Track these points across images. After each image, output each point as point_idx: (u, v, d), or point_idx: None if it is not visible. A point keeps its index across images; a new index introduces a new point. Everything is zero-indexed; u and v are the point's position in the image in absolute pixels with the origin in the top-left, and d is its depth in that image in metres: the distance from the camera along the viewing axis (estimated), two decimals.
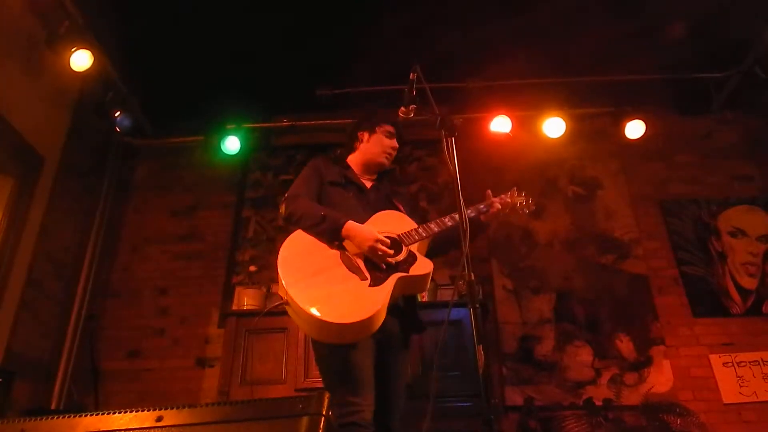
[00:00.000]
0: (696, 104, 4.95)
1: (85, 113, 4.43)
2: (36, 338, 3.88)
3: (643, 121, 4.55)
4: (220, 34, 4.13)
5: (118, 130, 4.69)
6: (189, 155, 5.00)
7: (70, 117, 4.32)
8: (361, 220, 2.28)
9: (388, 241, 2.20)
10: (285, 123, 4.96)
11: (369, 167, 2.62)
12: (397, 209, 2.51)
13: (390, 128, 2.61)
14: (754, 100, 4.76)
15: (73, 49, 3.84)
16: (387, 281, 2.12)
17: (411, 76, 2.22)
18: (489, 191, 2.58)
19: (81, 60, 3.88)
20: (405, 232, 2.31)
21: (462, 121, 2.18)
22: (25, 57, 3.81)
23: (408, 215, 2.48)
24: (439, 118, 2.08)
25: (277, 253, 2.22)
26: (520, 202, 2.70)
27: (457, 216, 2.39)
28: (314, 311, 1.96)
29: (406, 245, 2.27)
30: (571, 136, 4.72)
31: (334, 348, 2.10)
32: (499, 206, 2.50)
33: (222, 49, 4.25)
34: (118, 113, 4.55)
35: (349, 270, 2.14)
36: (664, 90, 4.82)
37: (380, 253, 2.15)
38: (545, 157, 4.84)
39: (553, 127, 4.63)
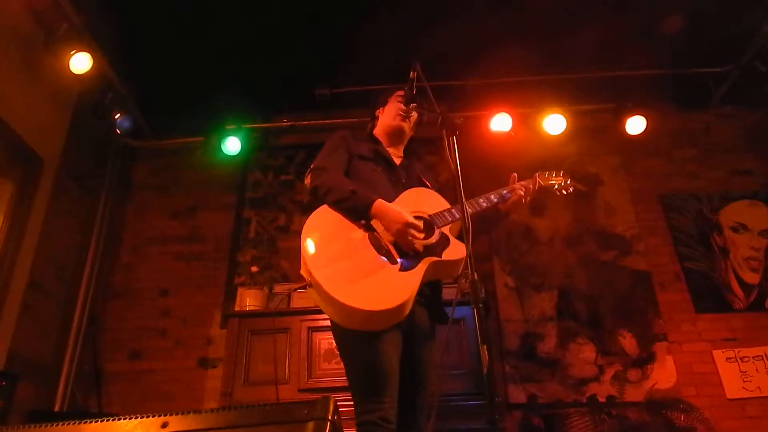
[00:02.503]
0: (696, 99, 4.94)
1: (84, 115, 4.42)
2: (39, 341, 3.88)
3: (644, 116, 4.55)
4: (219, 34, 4.13)
5: (117, 131, 4.70)
6: (189, 156, 5.00)
7: (70, 119, 4.31)
8: (391, 197, 2.17)
9: (420, 224, 2.07)
10: (285, 123, 4.96)
11: (390, 136, 2.55)
12: (427, 187, 2.40)
13: (401, 93, 2.50)
14: (754, 94, 4.75)
15: (72, 52, 3.84)
16: (419, 266, 2.00)
17: (411, 75, 2.20)
18: (515, 174, 2.44)
19: (80, 62, 3.88)
20: (437, 213, 2.19)
21: (463, 120, 2.16)
22: (24, 60, 3.81)
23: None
24: (440, 117, 2.06)
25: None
26: (558, 184, 2.59)
27: (492, 197, 2.32)
28: (344, 298, 1.87)
29: (438, 227, 2.14)
30: (572, 132, 4.71)
31: (359, 344, 2.00)
32: (521, 193, 2.37)
33: (221, 50, 4.24)
34: (117, 115, 4.56)
35: (379, 253, 2.02)
36: (664, 85, 4.82)
37: (410, 238, 2.02)
38: (546, 154, 4.82)
39: (554, 124, 4.62)
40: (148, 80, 4.51)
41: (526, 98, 4.65)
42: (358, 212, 2.09)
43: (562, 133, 4.66)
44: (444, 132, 2.02)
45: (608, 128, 4.78)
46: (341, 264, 1.96)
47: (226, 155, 4.67)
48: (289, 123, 4.95)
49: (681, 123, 4.99)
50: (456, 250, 2.11)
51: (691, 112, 5.02)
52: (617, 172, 4.81)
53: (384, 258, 2.01)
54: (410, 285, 1.95)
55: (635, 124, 4.57)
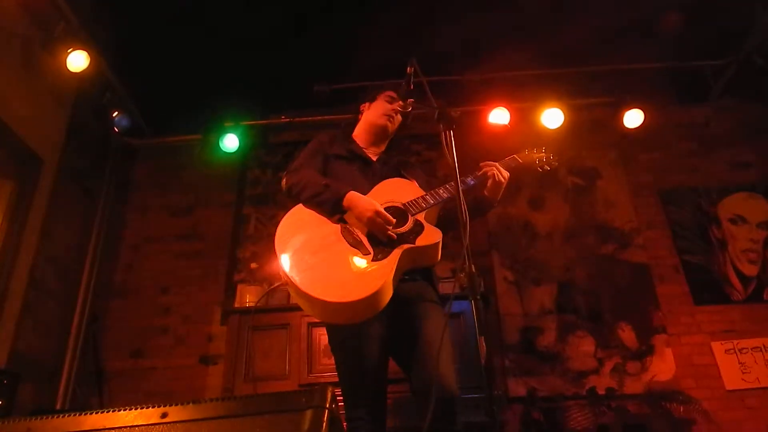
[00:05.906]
0: (694, 93, 4.94)
1: (82, 114, 4.42)
2: (40, 340, 3.88)
3: (642, 110, 4.55)
4: (217, 32, 4.13)
5: (116, 130, 4.71)
6: (188, 154, 5.00)
7: (68, 118, 4.31)
8: (365, 191, 2.19)
9: (387, 214, 2.08)
10: (283, 120, 4.96)
11: (373, 134, 2.54)
12: (405, 179, 2.39)
13: (391, 93, 2.50)
14: (753, 87, 4.75)
15: (69, 50, 3.85)
16: (391, 254, 2.00)
17: (408, 70, 2.20)
18: (488, 161, 2.40)
19: (77, 61, 3.88)
20: (410, 201, 2.21)
21: (460, 114, 2.15)
22: (22, 59, 3.81)
23: (422, 185, 2.36)
24: (437, 112, 2.05)
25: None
26: (539, 159, 2.58)
27: (469, 179, 2.32)
28: (316, 293, 1.87)
29: (412, 214, 2.16)
30: (570, 126, 4.71)
31: (343, 341, 2.08)
32: (494, 172, 2.32)
33: (219, 47, 4.24)
34: (115, 113, 4.57)
35: (351, 245, 2.03)
36: (662, 79, 4.82)
37: (380, 223, 2.03)
38: None
39: (552, 118, 4.62)
40: (146, 78, 4.51)
41: (524, 93, 4.65)
42: (332, 205, 2.11)
43: (561, 127, 4.66)
44: (441, 126, 2.02)
45: (606, 122, 4.78)
46: (313, 259, 1.98)
47: (225, 152, 4.67)
48: (287, 120, 4.95)
49: (679, 116, 5.00)
50: (430, 236, 2.11)
51: (689, 105, 5.02)
52: (616, 165, 4.82)
53: (357, 249, 2.02)
54: (383, 273, 1.94)
55: (633, 118, 4.56)
